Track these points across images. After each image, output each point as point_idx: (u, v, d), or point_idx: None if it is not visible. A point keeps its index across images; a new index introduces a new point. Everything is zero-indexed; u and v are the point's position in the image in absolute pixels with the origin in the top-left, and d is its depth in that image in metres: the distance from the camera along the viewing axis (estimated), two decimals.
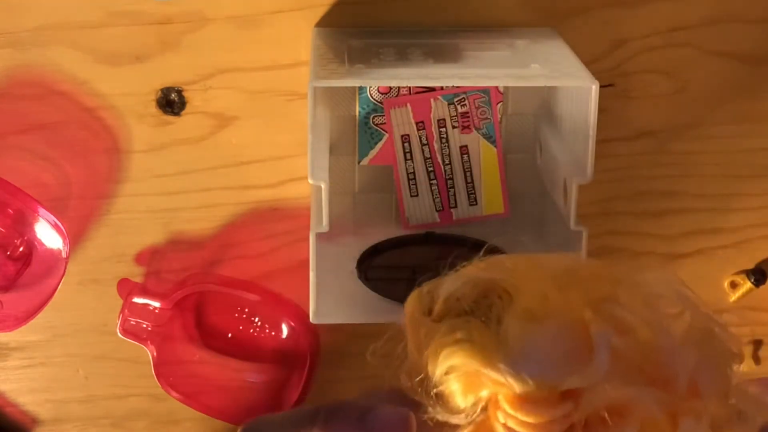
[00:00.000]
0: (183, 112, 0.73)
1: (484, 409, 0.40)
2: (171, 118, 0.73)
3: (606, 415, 0.38)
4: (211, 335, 0.78)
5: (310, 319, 0.65)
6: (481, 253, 0.43)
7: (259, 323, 0.78)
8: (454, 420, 0.40)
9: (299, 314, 0.74)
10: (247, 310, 0.78)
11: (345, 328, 0.77)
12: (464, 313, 0.40)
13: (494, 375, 0.38)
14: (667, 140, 0.75)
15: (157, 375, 0.76)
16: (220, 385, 0.78)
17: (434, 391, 0.41)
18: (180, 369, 0.77)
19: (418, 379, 0.41)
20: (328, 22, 0.71)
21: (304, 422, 0.42)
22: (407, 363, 0.42)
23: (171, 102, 0.73)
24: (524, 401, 0.38)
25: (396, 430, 0.41)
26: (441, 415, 0.41)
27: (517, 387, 0.38)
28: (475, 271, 0.42)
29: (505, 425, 0.39)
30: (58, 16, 0.71)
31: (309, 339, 0.75)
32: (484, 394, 0.40)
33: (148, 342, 0.75)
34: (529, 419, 0.39)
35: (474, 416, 0.40)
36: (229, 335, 0.78)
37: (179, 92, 0.73)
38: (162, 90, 0.73)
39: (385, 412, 0.41)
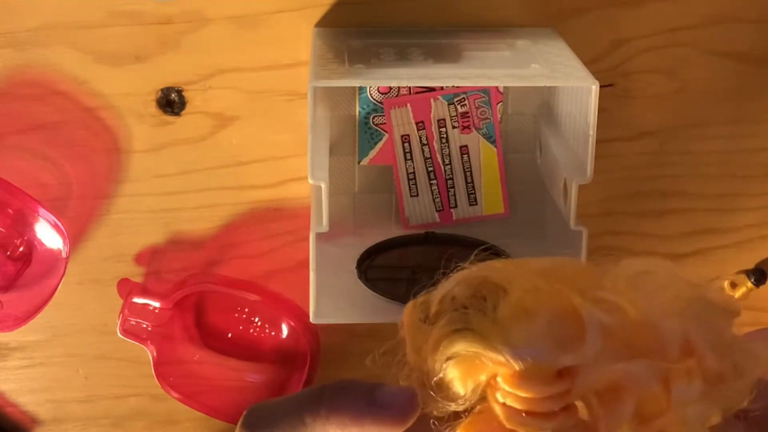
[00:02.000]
0: (183, 112, 0.73)
1: (483, 397, 0.41)
2: (171, 118, 0.73)
3: (602, 392, 0.40)
4: (211, 335, 0.78)
5: (310, 319, 0.65)
6: (474, 253, 0.44)
7: (259, 323, 0.78)
8: (455, 407, 0.41)
9: (299, 314, 0.74)
10: (247, 310, 0.78)
11: (345, 328, 0.77)
12: (462, 309, 0.41)
13: (494, 356, 0.40)
14: (667, 140, 0.75)
15: (157, 375, 0.76)
16: (220, 385, 0.78)
17: (434, 380, 0.41)
18: (180, 369, 0.77)
19: (416, 376, 0.42)
20: (328, 22, 0.72)
21: (309, 404, 0.42)
22: (406, 368, 0.43)
23: (171, 102, 0.73)
24: (522, 378, 0.40)
25: (403, 406, 0.41)
26: (441, 404, 0.41)
27: (515, 365, 0.39)
28: (467, 272, 0.43)
29: (504, 405, 0.40)
30: (58, 16, 0.71)
31: (309, 339, 0.75)
32: (483, 378, 0.41)
33: (148, 342, 0.75)
34: (528, 395, 0.40)
35: (474, 401, 0.41)
36: (229, 335, 0.78)
37: (179, 92, 0.73)
38: (162, 90, 0.73)
39: (392, 388, 0.42)
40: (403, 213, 0.75)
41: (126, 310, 0.74)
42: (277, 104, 0.73)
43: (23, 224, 0.72)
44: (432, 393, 0.41)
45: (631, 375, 0.39)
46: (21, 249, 0.73)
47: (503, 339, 0.40)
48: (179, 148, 0.74)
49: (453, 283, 0.42)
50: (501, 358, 0.40)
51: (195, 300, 0.77)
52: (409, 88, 0.72)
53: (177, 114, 0.73)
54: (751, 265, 0.79)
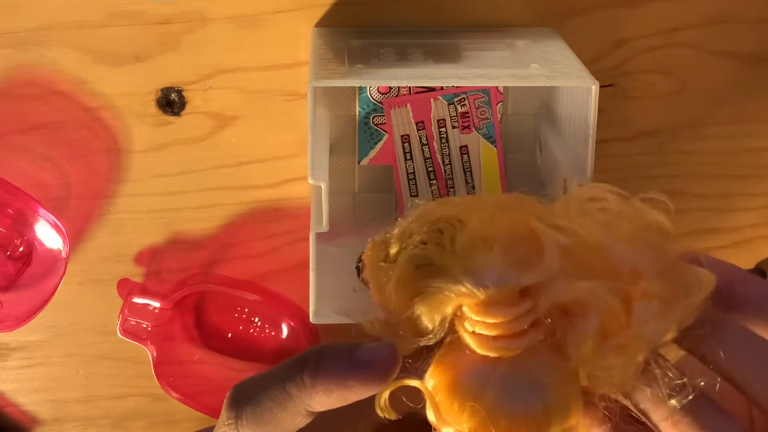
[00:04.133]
0: (183, 112, 0.73)
1: (452, 328, 0.42)
2: (171, 118, 0.73)
3: (567, 309, 0.41)
4: (211, 335, 0.78)
5: (310, 319, 0.65)
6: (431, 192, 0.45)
7: (259, 323, 0.78)
8: (425, 342, 0.42)
9: (299, 314, 0.74)
10: (247, 310, 0.78)
11: (345, 328, 0.77)
12: (421, 245, 0.42)
13: (456, 288, 0.40)
14: (667, 140, 0.75)
15: (157, 375, 0.76)
16: (220, 385, 0.78)
17: (402, 317, 0.42)
18: (180, 369, 0.77)
19: (384, 318, 0.43)
20: (328, 22, 0.72)
21: (292, 374, 0.42)
22: (372, 311, 0.43)
23: (171, 102, 0.73)
24: (488, 305, 0.41)
25: (385, 361, 0.42)
26: (412, 342, 0.42)
27: (479, 293, 0.40)
28: (423, 208, 0.44)
29: (473, 333, 0.41)
30: (58, 16, 0.71)
31: (309, 339, 0.75)
32: (450, 310, 0.42)
33: (148, 342, 0.75)
34: (495, 320, 0.41)
35: (444, 334, 0.42)
36: (229, 335, 0.78)
37: (179, 92, 0.73)
38: (162, 90, 0.73)
39: (371, 346, 0.42)
40: (403, 213, 0.75)
41: (126, 310, 0.74)
42: (277, 104, 0.73)
43: (23, 224, 0.72)
44: (401, 332, 0.42)
45: (595, 293, 0.40)
46: (21, 249, 0.73)
47: (463, 269, 0.41)
48: (179, 148, 0.74)
49: (410, 220, 0.43)
50: (463, 289, 0.40)
51: (195, 300, 0.77)
52: (409, 88, 0.72)
53: (177, 114, 0.73)
54: (751, 265, 0.79)
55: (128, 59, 0.72)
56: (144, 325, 0.75)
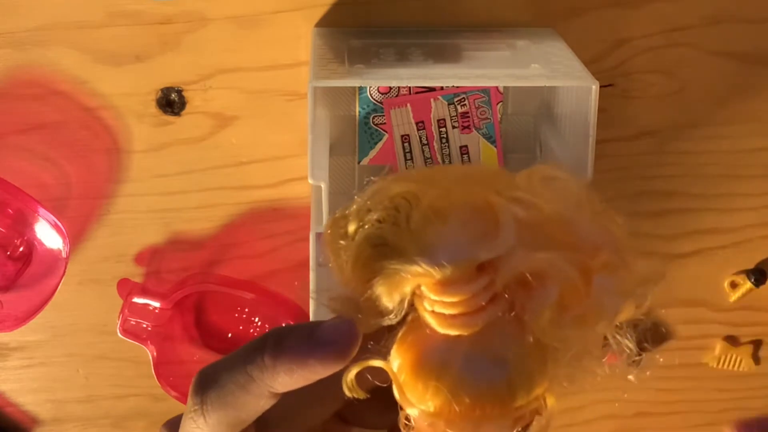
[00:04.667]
0: (183, 112, 0.73)
1: (413, 307, 0.42)
2: (171, 118, 0.73)
3: (527, 278, 0.40)
4: (211, 335, 0.78)
5: (310, 319, 0.65)
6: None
7: (259, 323, 0.78)
8: (387, 322, 0.42)
9: (299, 314, 0.74)
10: (247, 310, 0.78)
11: None
12: (377, 223, 0.42)
13: (413, 268, 0.40)
14: (667, 140, 0.75)
15: (157, 375, 0.76)
16: None
17: (361, 299, 0.42)
18: (180, 369, 0.77)
19: (345, 296, 0.43)
20: (328, 22, 0.72)
21: (252, 356, 0.42)
22: (334, 288, 0.43)
23: (171, 102, 0.73)
24: (445, 284, 0.40)
25: (344, 338, 0.42)
26: (372, 321, 0.42)
27: (435, 273, 0.40)
28: (380, 184, 0.43)
29: (432, 312, 0.41)
30: (58, 16, 0.71)
31: None
32: (408, 289, 0.41)
33: (148, 342, 0.75)
34: (453, 299, 0.40)
35: (403, 313, 0.42)
36: (229, 335, 0.78)
37: (179, 92, 0.73)
38: (162, 90, 0.73)
39: (330, 323, 0.42)
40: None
41: (126, 310, 0.74)
42: (277, 104, 0.73)
43: (23, 224, 0.72)
44: (361, 312, 0.42)
45: (554, 264, 0.40)
46: (21, 249, 0.73)
47: (418, 248, 0.40)
48: (179, 148, 0.74)
49: (366, 197, 0.43)
50: (419, 269, 0.40)
51: (195, 300, 0.77)
52: (409, 88, 0.72)
53: (177, 114, 0.73)
54: (751, 265, 0.79)
55: (128, 59, 0.72)
56: (144, 325, 0.75)
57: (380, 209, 0.42)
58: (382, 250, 0.41)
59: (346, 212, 0.43)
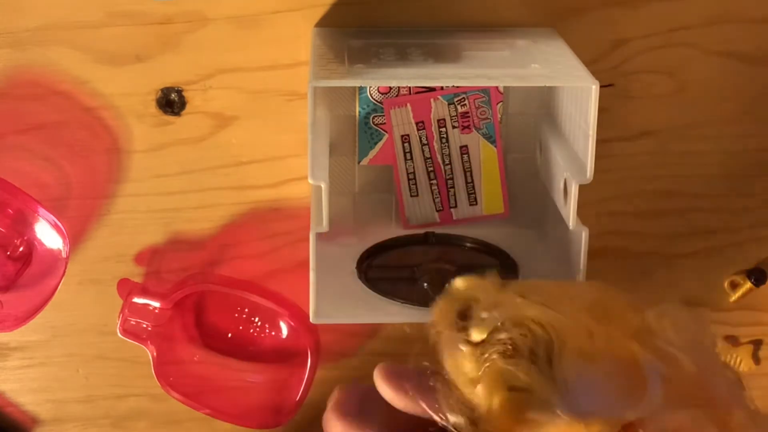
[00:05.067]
0: (183, 112, 0.73)
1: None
2: (171, 118, 0.73)
3: None
4: (211, 335, 0.78)
5: (310, 319, 0.65)
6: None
7: (259, 323, 0.78)
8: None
9: (299, 314, 0.74)
10: (247, 310, 0.78)
11: (345, 328, 0.77)
12: (509, 348, 0.41)
13: (557, 421, 0.39)
14: (667, 140, 0.75)
15: (157, 375, 0.76)
16: (220, 385, 0.78)
17: (482, 418, 0.41)
18: (180, 369, 0.77)
19: (463, 404, 0.42)
20: (328, 22, 0.72)
21: None
22: (444, 384, 0.42)
23: (171, 102, 0.73)
24: None
25: None
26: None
27: (583, 427, 0.39)
28: (505, 296, 0.42)
29: None
30: (58, 16, 0.71)
31: (309, 339, 0.75)
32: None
33: (148, 342, 0.75)
34: None
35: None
36: (229, 335, 0.78)
37: (179, 92, 0.73)
38: (162, 90, 0.73)
39: None
40: (403, 213, 0.75)
41: (126, 310, 0.74)
42: (277, 104, 0.73)
43: (23, 224, 0.72)
44: (473, 426, 0.41)
45: (698, 422, 0.40)
46: (21, 249, 0.73)
47: (562, 399, 0.39)
48: (179, 148, 0.74)
49: (502, 318, 0.41)
50: (565, 422, 0.39)
51: (195, 300, 0.77)
52: (409, 88, 0.72)
53: (177, 114, 0.73)
54: (751, 265, 0.79)
55: (128, 59, 0.72)
56: (144, 325, 0.75)
57: (512, 330, 0.41)
58: (521, 396, 0.40)
59: (461, 294, 0.42)
